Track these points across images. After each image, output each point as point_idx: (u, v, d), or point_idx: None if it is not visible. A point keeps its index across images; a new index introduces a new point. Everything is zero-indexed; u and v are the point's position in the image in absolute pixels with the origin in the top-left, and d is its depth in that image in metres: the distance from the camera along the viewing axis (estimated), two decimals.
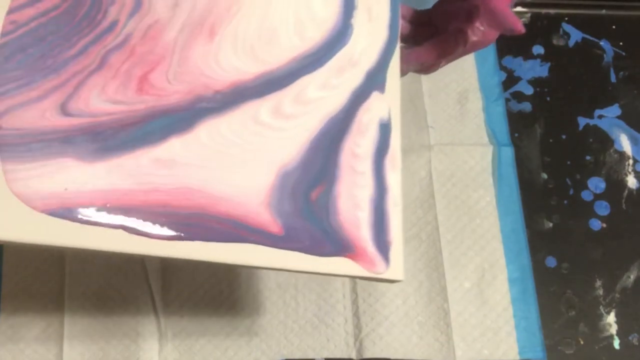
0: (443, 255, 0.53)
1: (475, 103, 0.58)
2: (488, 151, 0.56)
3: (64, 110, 0.33)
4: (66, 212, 0.31)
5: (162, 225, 0.33)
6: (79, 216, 0.32)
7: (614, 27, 0.62)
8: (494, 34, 0.43)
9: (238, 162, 0.36)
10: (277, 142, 0.37)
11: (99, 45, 0.35)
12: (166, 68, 0.36)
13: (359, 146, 0.39)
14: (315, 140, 0.38)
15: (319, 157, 0.38)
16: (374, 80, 0.41)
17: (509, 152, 0.57)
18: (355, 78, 0.40)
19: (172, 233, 0.33)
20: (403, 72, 0.43)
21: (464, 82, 0.59)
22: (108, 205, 0.32)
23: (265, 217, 0.36)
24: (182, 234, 0.33)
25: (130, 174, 0.33)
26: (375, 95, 0.41)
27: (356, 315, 0.51)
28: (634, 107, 0.60)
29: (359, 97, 0.40)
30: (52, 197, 0.31)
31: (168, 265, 0.52)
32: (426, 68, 0.45)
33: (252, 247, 0.35)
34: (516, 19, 0.41)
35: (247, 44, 0.38)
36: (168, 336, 0.50)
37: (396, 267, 0.38)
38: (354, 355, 0.50)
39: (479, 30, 0.42)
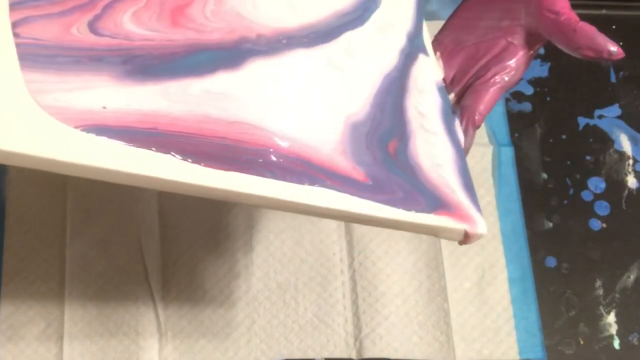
0: (443, 255, 0.53)
1: None
2: (488, 151, 0.56)
3: (92, 28, 0.30)
4: (106, 131, 0.27)
5: (220, 155, 0.28)
6: (123, 136, 0.27)
7: (614, 27, 0.62)
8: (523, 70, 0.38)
9: (298, 104, 0.32)
10: (340, 89, 0.33)
11: None
12: (202, 5, 0.32)
13: (422, 105, 0.36)
14: (378, 95, 0.35)
15: (386, 113, 0.34)
16: (416, 44, 0.38)
17: (509, 152, 0.56)
18: (398, 39, 0.37)
19: (233, 165, 0.28)
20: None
21: None
22: (158, 128, 0.28)
23: (344, 164, 0.31)
24: (246, 167, 0.29)
25: (179, 100, 0.29)
26: (423, 58, 0.38)
27: (356, 315, 0.51)
28: (634, 107, 0.60)
29: (407, 57, 0.37)
30: (87, 113, 0.27)
31: (168, 266, 0.52)
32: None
33: (336, 193, 0.30)
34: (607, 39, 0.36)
35: None
36: (168, 336, 0.50)
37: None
38: (354, 355, 0.50)
39: (512, 68, 0.38)
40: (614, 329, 0.52)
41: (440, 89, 0.38)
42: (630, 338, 0.52)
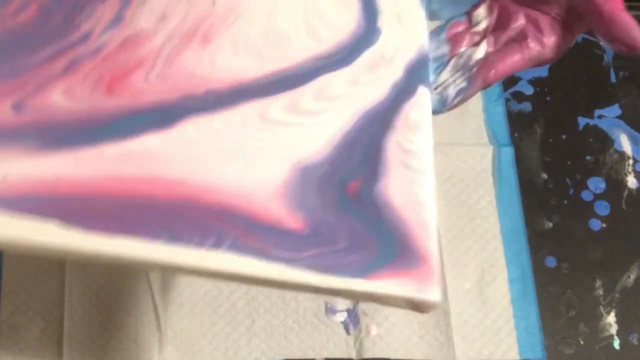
0: (443, 256, 0.53)
1: (475, 103, 0.58)
2: (488, 151, 0.56)
3: (16, 108, 0.30)
4: (1, 202, 0.27)
5: (114, 215, 0.28)
6: (16, 206, 0.27)
7: None
8: (559, 51, 0.36)
9: (236, 155, 0.31)
10: (294, 137, 0.32)
11: (67, 53, 0.32)
12: (146, 71, 0.32)
13: (410, 142, 0.35)
14: (349, 134, 0.34)
15: (356, 153, 0.33)
16: (417, 75, 0.36)
17: (509, 152, 0.57)
18: (393, 73, 0.36)
19: (124, 225, 0.28)
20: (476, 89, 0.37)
21: None
22: (53, 194, 0.28)
23: (278, 211, 0.30)
24: (135, 228, 0.28)
25: (88, 164, 0.29)
26: (422, 91, 0.36)
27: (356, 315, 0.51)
28: (634, 107, 0.60)
29: (402, 92, 0.36)
30: None
31: None
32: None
33: (238, 257, 0.29)
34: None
35: (250, 46, 0.35)
36: (168, 336, 0.50)
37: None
38: (354, 355, 0.50)
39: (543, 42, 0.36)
40: (614, 329, 0.52)
41: None
42: (630, 338, 0.52)
